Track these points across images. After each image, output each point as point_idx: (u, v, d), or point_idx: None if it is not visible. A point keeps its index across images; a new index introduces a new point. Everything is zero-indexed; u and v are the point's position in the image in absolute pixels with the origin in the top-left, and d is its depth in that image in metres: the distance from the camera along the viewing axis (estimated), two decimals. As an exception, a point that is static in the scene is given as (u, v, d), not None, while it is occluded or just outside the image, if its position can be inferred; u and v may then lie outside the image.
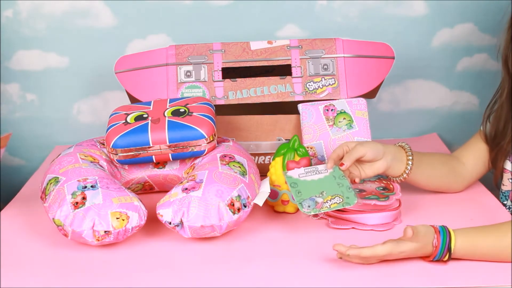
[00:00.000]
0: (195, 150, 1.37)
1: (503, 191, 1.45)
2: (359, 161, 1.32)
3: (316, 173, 1.32)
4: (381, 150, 1.32)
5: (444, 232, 1.17)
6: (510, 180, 1.44)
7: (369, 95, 1.56)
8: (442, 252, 1.17)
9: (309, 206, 1.26)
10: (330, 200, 1.26)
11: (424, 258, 1.19)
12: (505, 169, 1.43)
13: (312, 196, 1.27)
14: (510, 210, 1.45)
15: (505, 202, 1.45)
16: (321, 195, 1.27)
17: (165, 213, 1.25)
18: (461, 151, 1.47)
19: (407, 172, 1.35)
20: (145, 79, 1.55)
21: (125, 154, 1.36)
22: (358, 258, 1.17)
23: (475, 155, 1.45)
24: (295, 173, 1.33)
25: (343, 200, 1.26)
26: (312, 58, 1.55)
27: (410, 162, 1.35)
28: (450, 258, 1.18)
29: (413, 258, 1.19)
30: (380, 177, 1.41)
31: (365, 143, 1.32)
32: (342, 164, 1.30)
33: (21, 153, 1.84)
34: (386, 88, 1.80)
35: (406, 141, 1.64)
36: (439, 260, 1.18)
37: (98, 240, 1.23)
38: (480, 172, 1.46)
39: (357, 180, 1.31)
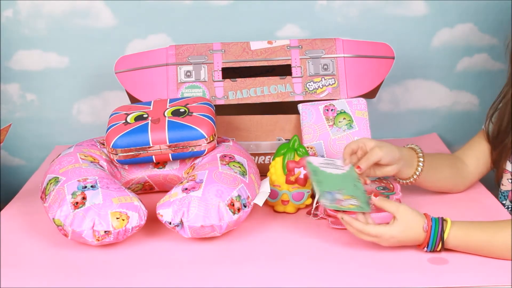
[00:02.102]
0: (195, 150, 1.37)
1: (502, 191, 1.46)
2: (375, 164, 1.30)
3: (334, 167, 1.29)
4: (396, 156, 1.30)
5: (436, 220, 1.19)
6: (509, 181, 1.44)
7: (369, 95, 1.56)
8: (435, 240, 1.18)
9: (329, 200, 1.22)
10: (348, 200, 1.23)
11: (419, 246, 1.21)
12: (505, 169, 1.43)
13: (332, 191, 1.24)
14: (509, 209, 1.45)
15: (504, 202, 1.45)
16: (339, 191, 1.24)
17: (165, 213, 1.25)
18: (464, 152, 1.47)
19: (414, 177, 1.34)
20: (145, 79, 1.55)
21: (125, 154, 1.36)
22: (350, 227, 1.21)
23: (477, 156, 1.45)
24: (315, 160, 1.29)
25: (359, 204, 1.23)
26: (312, 58, 1.55)
27: (419, 168, 1.34)
28: (443, 247, 1.19)
29: (414, 256, 1.20)
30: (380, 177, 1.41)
31: (383, 146, 1.29)
32: (358, 167, 1.28)
33: (21, 153, 1.84)
34: (386, 88, 1.80)
35: (406, 141, 1.64)
36: (433, 249, 1.19)
37: (98, 240, 1.23)
38: (482, 172, 1.46)
39: (368, 181, 1.30)
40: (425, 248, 1.20)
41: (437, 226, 1.19)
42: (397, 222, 1.19)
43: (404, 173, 1.34)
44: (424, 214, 1.21)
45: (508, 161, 1.43)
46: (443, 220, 1.20)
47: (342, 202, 1.22)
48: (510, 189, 1.44)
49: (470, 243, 1.19)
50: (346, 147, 1.31)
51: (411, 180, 1.35)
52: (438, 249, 1.20)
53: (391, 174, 1.32)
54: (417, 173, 1.34)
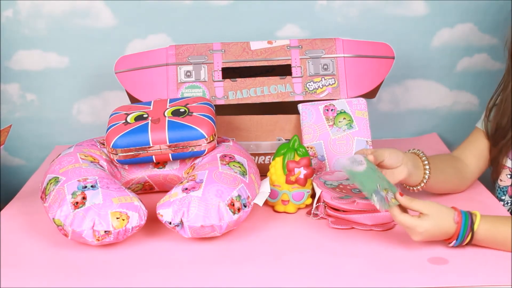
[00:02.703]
0: (195, 150, 1.37)
1: (500, 186, 1.46)
2: (380, 166, 1.30)
3: (357, 164, 1.25)
4: (400, 156, 1.29)
5: (465, 213, 1.20)
6: (509, 176, 1.44)
7: (369, 95, 1.56)
8: (465, 233, 1.19)
9: (380, 201, 1.20)
10: (388, 194, 1.22)
11: (447, 240, 1.21)
12: (504, 165, 1.43)
13: (375, 189, 1.21)
14: (509, 205, 1.45)
15: (502, 198, 1.46)
16: (379, 187, 1.22)
17: (165, 213, 1.25)
18: (462, 151, 1.47)
19: (425, 181, 1.34)
20: (145, 79, 1.55)
21: (125, 154, 1.36)
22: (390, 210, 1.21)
23: (476, 155, 1.45)
24: (345, 163, 1.25)
25: (394, 195, 1.22)
26: (312, 58, 1.55)
27: (427, 166, 1.34)
28: (471, 240, 1.19)
29: (414, 256, 1.20)
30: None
31: (386, 148, 1.29)
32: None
33: (21, 153, 1.84)
34: (386, 88, 1.80)
35: (406, 141, 1.64)
36: (461, 243, 1.19)
37: (98, 240, 1.23)
38: (481, 171, 1.47)
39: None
40: (454, 242, 1.20)
41: (467, 218, 1.19)
42: (427, 216, 1.19)
43: (414, 176, 1.33)
44: (452, 207, 1.21)
45: (507, 158, 1.43)
46: (471, 213, 1.20)
47: (388, 198, 1.21)
48: (509, 184, 1.45)
49: (497, 236, 1.19)
50: (358, 152, 1.29)
51: (422, 185, 1.35)
52: (465, 243, 1.20)
53: (403, 177, 1.30)
54: (427, 173, 1.34)
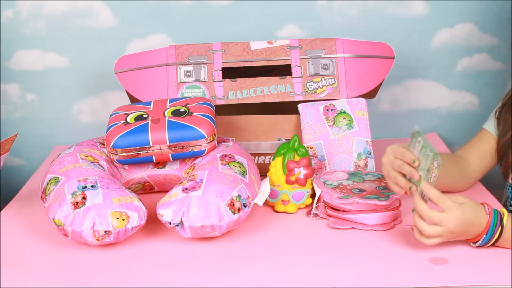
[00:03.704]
0: (195, 150, 1.37)
1: None
2: None
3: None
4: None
5: (494, 209, 1.20)
6: None
7: (369, 95, 1.56)
8: (495, 224, 1.18)
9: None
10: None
11: (473, 239, 1.20)
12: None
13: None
14: None
15: None
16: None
17: (165, 213, 1.25)
18: (466, 151, 1.48)
19: None
20: (145, 79, 1.55)
21: (125, 154, 1.36)
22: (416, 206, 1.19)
23: (479, 154, 1.46)
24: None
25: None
26: (312, 58, 1.55)
27: None
28: (500, 235, 1.19)
29: (414, 256, 1.20)
30: (380, 176, 1.41)
31: (400, 145, 1.29)
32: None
33: (21, 153, 1.84)
34: (386, 88, 1.80)
35: (406, 141, 1.63)
36: (491, 236, 1.19)
37: (98, 240, 1.23)
38: (484, 171, 1.47)
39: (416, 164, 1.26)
40: (484, 236, 1.19)
41: (496, 211, 1.19)
42: (465, 202, 1.18)
43: None
44: (481, 203, 1.21)
45: None
46: (497, 209, 1.21)
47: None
48: None
49: None
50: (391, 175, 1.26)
51: None
52: (495, 238, 1.19)
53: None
54: None
